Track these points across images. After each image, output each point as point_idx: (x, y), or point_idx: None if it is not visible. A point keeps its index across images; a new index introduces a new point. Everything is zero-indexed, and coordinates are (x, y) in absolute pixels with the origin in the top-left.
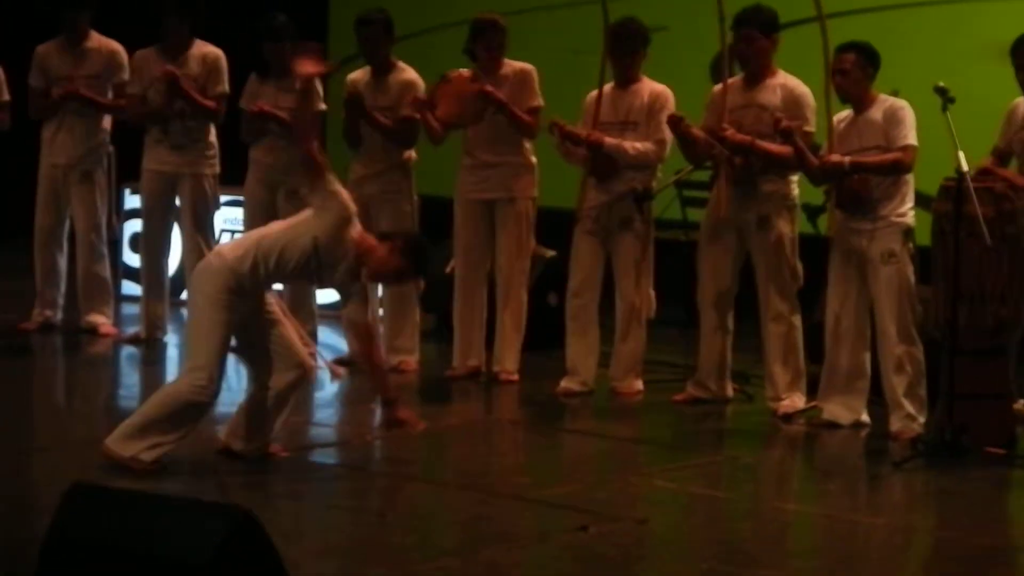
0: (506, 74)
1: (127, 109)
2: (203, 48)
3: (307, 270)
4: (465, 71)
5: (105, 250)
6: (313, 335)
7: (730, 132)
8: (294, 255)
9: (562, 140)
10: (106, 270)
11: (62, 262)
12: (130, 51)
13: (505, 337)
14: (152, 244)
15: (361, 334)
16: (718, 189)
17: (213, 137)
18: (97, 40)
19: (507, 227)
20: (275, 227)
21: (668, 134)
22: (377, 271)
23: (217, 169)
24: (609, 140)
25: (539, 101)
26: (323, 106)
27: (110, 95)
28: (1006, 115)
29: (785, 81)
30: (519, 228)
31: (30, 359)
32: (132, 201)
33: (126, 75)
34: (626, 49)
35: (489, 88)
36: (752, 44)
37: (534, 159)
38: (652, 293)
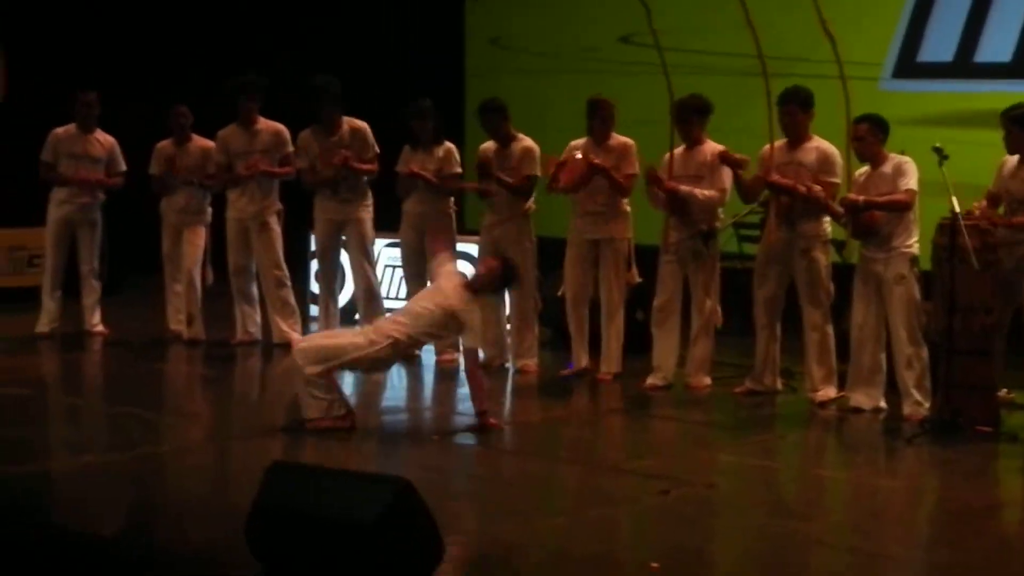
0: (613, 145)
1: (303, 180)
2: (351, 123)
3: None
4: (578, 152)
5: (288, 281)
6: (455, 345)
7: (776, 176)
8: None
9: (650, 184)
10: (291, 296)
11: (254, 290)
12: (293, 131)
13: (609, 347)
14: (327, 277)
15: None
16: (768, 227)
17: (369, 190)
18: (264, 123)
19: (608, 262)
20: None
21: (728, 183)
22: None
23: (372, 214)
24: (684, 188)
25: (635, 169)
26: (459, 170)
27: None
28: (998, 167)
29: (819, 144)
30: (617, 263)
31: (237, 366)
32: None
33: (290, 148)
34: (683, 118)
35: (597, 161)
36: (793, 117)
37: (629, 208)
38: (719, 309)
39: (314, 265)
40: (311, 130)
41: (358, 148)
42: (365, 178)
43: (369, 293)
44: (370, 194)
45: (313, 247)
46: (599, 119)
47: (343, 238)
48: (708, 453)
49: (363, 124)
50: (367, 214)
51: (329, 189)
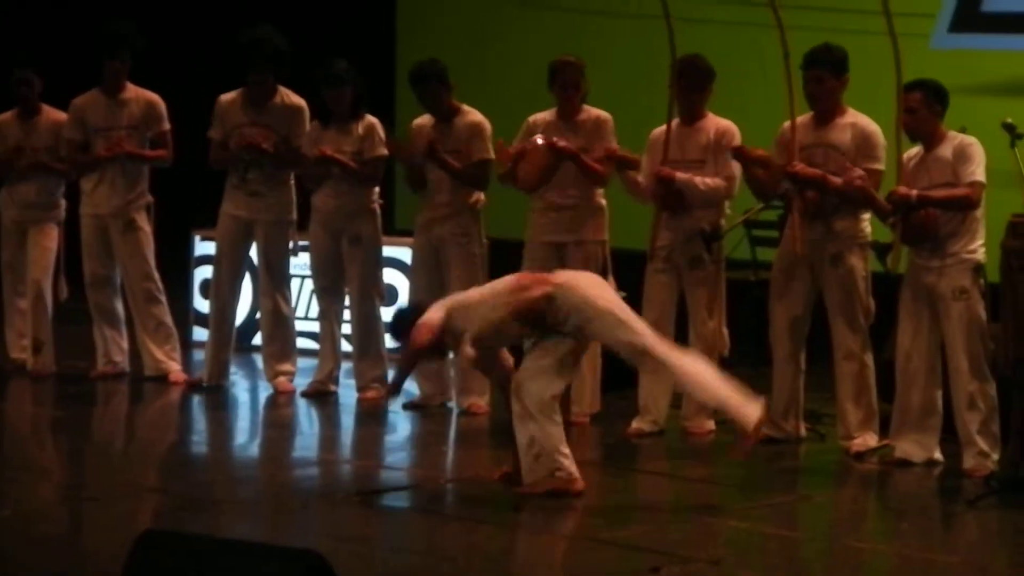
0: (583, 120)
1: (209, 157)
2: (287, 98)
3: None
4: (539, 137)
5: (163, 296)
6: (383, 378)
7: (800, 166)
8: None
9: (620, 167)
10: (167, 315)
11: (120, 308)
12: (210, 96)
13: (583, 381)
14: (221, 289)
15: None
16: (791, 227)
17: (293, 182)
18: (134, 91)
19: (576, 270)
20: None
21: (737, 170)
22: None
23: (294, 216)
24: (680, 175)
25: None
26: (385, 151)
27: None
28: None
29: (855, 120)
30: (588, 271)
31: (97, 406)
32: (202, 248)
33: (165, 125)
34: (692, 86)
35: (562, 144)
36: (822, 84)
37: (604, 202)
38: (726, 332)
39: (199, 275)
40: (239, 94)
41: (285, 130)
42: (290, 171)
43: (276, 319)
44: (292, 191)
45: (198, 251)
46: (560, 86)
47: (253, 244)
48: (711, 519)
49: (301, 103)
50: (285, 216)
51: (237, 174)
